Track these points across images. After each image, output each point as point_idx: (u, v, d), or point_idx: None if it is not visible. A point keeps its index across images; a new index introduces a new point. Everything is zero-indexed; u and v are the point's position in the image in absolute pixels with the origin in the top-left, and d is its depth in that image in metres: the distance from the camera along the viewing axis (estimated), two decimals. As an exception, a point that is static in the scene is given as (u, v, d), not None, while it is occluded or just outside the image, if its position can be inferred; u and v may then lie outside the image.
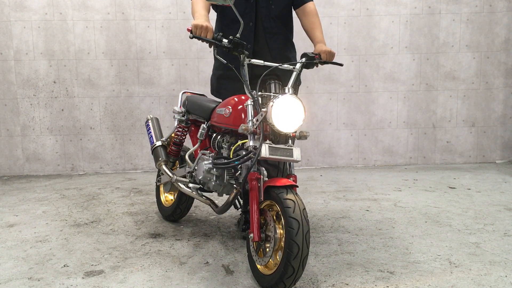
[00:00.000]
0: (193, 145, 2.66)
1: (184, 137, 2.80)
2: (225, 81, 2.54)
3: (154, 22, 4.50)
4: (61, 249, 2.47)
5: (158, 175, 2.97)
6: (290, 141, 2.01)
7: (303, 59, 2.23)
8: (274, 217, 1.90)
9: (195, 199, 2.72)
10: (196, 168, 2.43)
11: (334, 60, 2.30)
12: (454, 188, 3.70)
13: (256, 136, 1.97)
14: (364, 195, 3.51)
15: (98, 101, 4.57)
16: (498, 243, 2.43)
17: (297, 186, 1.93)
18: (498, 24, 4.57)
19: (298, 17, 2.53)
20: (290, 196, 1.82)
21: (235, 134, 2.31)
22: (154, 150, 2.80)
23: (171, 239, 2.60)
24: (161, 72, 4.57)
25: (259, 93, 2.03)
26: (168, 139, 2.84)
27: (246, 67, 2.07)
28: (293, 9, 2.55)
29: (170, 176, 2.62)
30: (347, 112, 4.68)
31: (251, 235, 1.89)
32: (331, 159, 4.74)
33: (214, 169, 2.21)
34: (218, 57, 2.22)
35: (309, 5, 2.50)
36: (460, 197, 3.40)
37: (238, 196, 2.22)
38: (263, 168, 2.00)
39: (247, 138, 2.01)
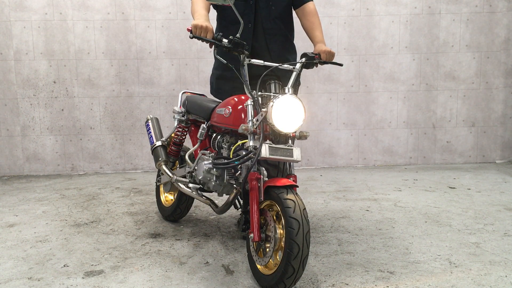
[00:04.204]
0: (193, 145, 2.66)
1: (184, 137, 2.80)
2: (223, 81, 2.54)
3: (154, 22, 4.50)
4: (61, 249, 2.47)
5: (158, 175, 2.97)
6: (290, 141, 2.01)
7: (303, 59, 2.23)
8: (274, 217, 1.90)
9: (195, 199, 2.72)
10: (196, 168, 2.43)
11: (334, 60, 2.30)
12: (454, 188, 3.70)
13: (256, 136, 1.97)
14: (364, 195, 3.51)
15: (98, 101, 4.57)
16: (498, 243, 2.43)
17: (297, 186, 1.93)
18: (498, 24, 4.57)
19: (298, 17, 2.53)
20: (290, 196, 1.82)
21: (235, 134, 2.31)
22: (154, 150, 2.80)
23: (171, 239, 2.60)
24: (161, 72, 4.57)
25: (259, 93, 2.03)
26: (168, 139, 2.84)
27: (246, 67, 2.07)
28: (293, 10, 2.55)
29: (170, 176, 2.62)
30: (347, 112, 4.68)
31: (251, 235, 1.89)
32: (331, 159, 4.74)
33: (214, 169, 2.21)
34: (218, 57, 2.23)
35: (308, 5, 2.50)
36: (460, 197, 3.40)
37: (238, 196, 2.22)
38: (263, 168, 2.00)
39: (247, 138, 2.01)
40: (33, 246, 2.53)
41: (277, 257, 1.89)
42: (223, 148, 2.32)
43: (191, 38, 2.05)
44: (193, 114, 2.67)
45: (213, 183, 2.25)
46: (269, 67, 2.08)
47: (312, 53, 2.26)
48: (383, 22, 4.56)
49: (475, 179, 4.01)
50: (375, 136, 4.71)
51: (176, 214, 2.83)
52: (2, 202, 3.53)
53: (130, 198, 3.55)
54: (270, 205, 1.94)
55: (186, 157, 2.55)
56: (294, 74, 2.18)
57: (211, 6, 2.40)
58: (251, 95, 1.99)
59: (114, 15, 4.47)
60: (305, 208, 1.82)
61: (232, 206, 2.27)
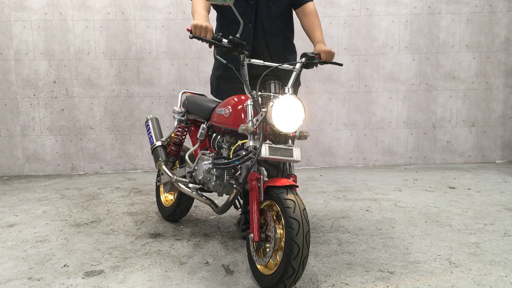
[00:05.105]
0: (193, 145, 2.66)
1: (184, 137, 2.80)
2: (223, 81, 2.54)
3: (154, 22, 4.50)
4: (61, 249, 2.47)
5: (158, 175, 2.97)
6: (290, 141, 2.01)
7: (303, 59, 2.23)
8: (274, 217, 1.90)
9: (195, 199, 2.72)
10: (196, 168, 2.43)
11: (333, 60, 2.30)
12: (454, 188, 3.70)
13: (256, 136, 1.97)
14: (364, 195, 3.51)
15: (98, 101, 4.57)
16: (498, 243, 2.43)
17: (297, 186, 1.93)
18: (498, 24, 4.57)
19: (298, 17, 2.53)
20: (290, 196, 1.82)
21: (235, 134, 2.31)
22: (154, 150, 2.80)
23: (171, 239, 2.60)
24: (161, 72, 4.57)
25: (259, 93, 2.03)
26: (168, 139, 2.84)
27: (246, 67, 2.07)
28: (293, 10, 2.55)
29: (170, 176, 2.62)
30: (347, 112, 4.68)
31: (251, 235, 1.89)
32: (331, 159, 4.74)
33: (214, 169, 2.21)
34: (218, 57, 2.23)
35: (309, 5, 2.50)
36: (460, 197, 3.40)
37: (238, 196, 2.22)
38: (263, 168, 2.00)
39: (247, 138, 2.01)
40: (33, 246, 2.53)
41: (277, 257, 1.89)
42: (223, 148, 2.32)
43: (191, 38, 2.05)
44: (193, 114, 2.67)
45: (213, 183, 2.25)
46: (269, 67, 2.08)
47: (312, 53, 2.26)
48: (383, 22, 4.56)
49: (475, 179, 4.01)
50: (375, 136, 4.71)
51: (176, 214, 2.83)
52: (2, 202, 3.53)
53: (130, 198, 3.55)
54: (270, 205, 1.94)
55: (186, 157, 2.55)
56: (294, 74, 2.17)
57: (211, 7, 2.40)
58: (251, 95, 1.99)
59: (114, 15, 4.47)
60: (305, 208, 1.82)
61: (232, 206, 2.27)
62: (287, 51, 2.54)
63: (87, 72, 4.53)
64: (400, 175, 4.25)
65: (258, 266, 1.96)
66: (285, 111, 1.89)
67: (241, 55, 2.06)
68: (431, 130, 4.72)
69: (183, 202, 2.77)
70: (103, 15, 4.46)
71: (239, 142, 2.20)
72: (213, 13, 2.57)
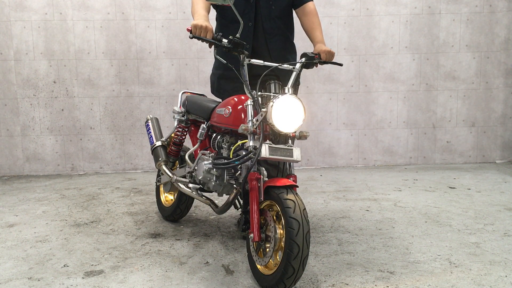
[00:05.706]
0: (193, 145, 2.66)
1: (184, 137, 2.80)
2: (224, 81, 2.54)
3: (154, 22, 4.50)
4: (61, 249, 2.47)
5: (158, 175, 2.97)
6: (290, 141, 2.01)
7: (303, 59, 2.24)
8: (274, 217, 1.90)
9: (195, 199, 2.72)
10: (196, 168, 2.43)
11: (333, 60, 2.30)
12: (454, 188, 3.70)
13: (256, 136, 1.97)
14: (364, 195, 3.51)
15: (98, 101, 4.57)
16: (498, 243, 2.43)
17: (297, 186, 1.93)
18: (498, 24, 4.57)
19: (298, 17, 2.53)
20: (290, 196, 1.82)
21: (235, 134, 2.31)
22: (154, 150, 2.80)
23: (171, 239, 2.60)
24: (161, 72, 4.57)
25: (259, 93, 2.03)
26: (168, 139, 2.84)
27: (246, 67, 2.07)
28: (293, 9, 2.55)
29: (170, 176, 2.62)
30: (347, 112, 4.68)
31: (251, 235, 1.89)
32: (331, 159, 4.74)
33: (214, 169, 2.21)
34: (218, 57, 2.23)
35: (309, 5, 2.50)
36: (460, 197, 3.40)
37: (238, 196, 2.22)
38: (263, 168, 2.00)
39: (247, 138, 2.01)
40: (33, 246, 2.53)
41: (277, 257, 1.89)
42: (223, 148, 2.32)
43: (191, 38, 2.05)
44: (193, 114, 2.67)
45: (213, 183, 2.25)
46: (269, 67, 2.08)
47: (312, 53, 2.26)
48: (383, 22, 4.56)
49: (475, 179, 4.01)
50: (375, 136, 4.71)
51: (176, 214, 2.83)
52: (2, 202, 3.53)
53: (130, 198, 3.55)
54: (270, 205, 1.94)
55: (186, 157, 2.55)
56: (294, 74, 2.18)
57: (211, 7, 2.40)
58: (251, 95, 1.99)
59: (114, 15, 4.47)
60: (305, 208, 1.82)
61: (232, 206, 2.27)
62: (287, 51, 2.54)
63: (87, 72, 4.53)
64: (400, 175, 4.25)
65: (258, 266, 1.97)
66: (285, 111, 1.89)
67: (241, 55, 2.06)
68: (431, 130, 4.72)
69: (183, 202, 2.77)
70: (103, 15, 4.46)
71: (239, 142, 2.20)
72: (213, 13, 2.57)
